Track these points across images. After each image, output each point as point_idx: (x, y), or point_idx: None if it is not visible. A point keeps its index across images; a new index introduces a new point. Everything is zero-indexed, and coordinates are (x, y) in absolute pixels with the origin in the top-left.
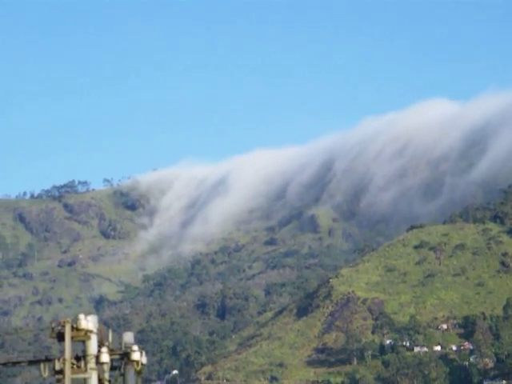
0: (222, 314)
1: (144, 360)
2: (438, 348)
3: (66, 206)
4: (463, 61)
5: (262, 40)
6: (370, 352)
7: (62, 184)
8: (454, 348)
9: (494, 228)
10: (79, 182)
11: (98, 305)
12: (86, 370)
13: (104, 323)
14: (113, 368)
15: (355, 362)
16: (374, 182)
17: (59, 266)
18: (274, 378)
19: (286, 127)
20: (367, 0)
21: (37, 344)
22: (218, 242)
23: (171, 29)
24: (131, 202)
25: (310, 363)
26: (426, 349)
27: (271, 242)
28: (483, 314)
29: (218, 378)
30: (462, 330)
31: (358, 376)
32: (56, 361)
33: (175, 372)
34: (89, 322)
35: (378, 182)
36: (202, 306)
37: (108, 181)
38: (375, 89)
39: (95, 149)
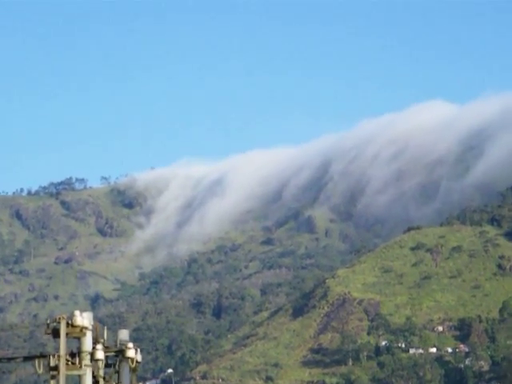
0: (217, 313)
1: (139, 357)
2: (434, 350)
3: (63, 203)
4: (461, 63)
5: (260, 40)
6: (365, 353)
7: (60, 181)
8: (450, 350)
9: (491, 231)
10: (77, 180)
11: (94, 302)
12: (80, 367)
13: (99, 321)
14: (108, 365)
15: (350, 363)
16: (370, 184)
17: (55, 263)
18: (268, 378)
19: (284, 128)
20: (365, 1)
21: (32, 341)
22: (214, 241)
23: (169, 27)
24: (128, 201)
25: (306, 363)
26: (421, 350)
27: (268, 242)
28: (479, 316)
29: (213, 378)
30: (457, 333)
31: (353, 377)
32: (51, 357)
33: (170, 371)
34: (84, 319)
35: (374, 184)
36: (197, 305)
37: (105, 179)
38: (373, 90)
39: (93, 146)
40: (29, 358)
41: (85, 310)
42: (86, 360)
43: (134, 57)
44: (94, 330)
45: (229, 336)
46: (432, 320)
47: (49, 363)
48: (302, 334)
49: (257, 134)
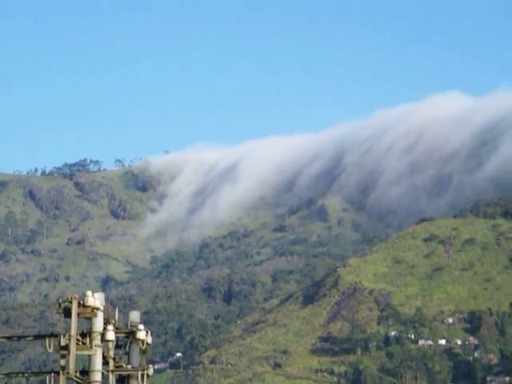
0: (228, 298)
1: (149, 339)
2: (443, 342)
3: (76, 184)
4: (478, 55)
5: (279, 28)
6: (374, 343)
7: (74, 162)
8: (459, 342)
9: (504, 224)
10: (91, 161)
11: (105, 284)
12: (91, 347)
13: (110, 303)
14: (118, 346)
15: (359, 353)
16: (383, 175)
17: (68, 243)
18: (277, 365)
19: (300, 115)
20: None
21: (42, 321)
22: (226, 226)
23: (186, 13)
24: (142, 184)
25: (314, 351)
26: (430, 342)
27: (280, 229)
28: (490, 309)
29: (222, 363)
30: (467, 325)
31: (361, 366)
32: (62, 336)
33: (179, 354)
34: (96, 300)
35: (387, 176)
36: (208, 290)
37: (119, 161)
38: (389, 80)
39: (108, 129)
40: (39, 337)
41: (96, 292)
42: (97, 340)
43: (149, 41)
44: (106, 311)
45: (238, 322)
46: (442, 312)
47: (59, 343)
48: (311, 321)
49: (272, 120)
